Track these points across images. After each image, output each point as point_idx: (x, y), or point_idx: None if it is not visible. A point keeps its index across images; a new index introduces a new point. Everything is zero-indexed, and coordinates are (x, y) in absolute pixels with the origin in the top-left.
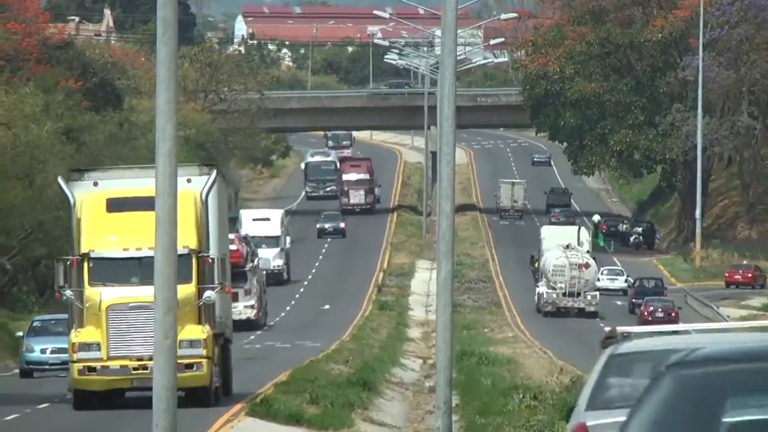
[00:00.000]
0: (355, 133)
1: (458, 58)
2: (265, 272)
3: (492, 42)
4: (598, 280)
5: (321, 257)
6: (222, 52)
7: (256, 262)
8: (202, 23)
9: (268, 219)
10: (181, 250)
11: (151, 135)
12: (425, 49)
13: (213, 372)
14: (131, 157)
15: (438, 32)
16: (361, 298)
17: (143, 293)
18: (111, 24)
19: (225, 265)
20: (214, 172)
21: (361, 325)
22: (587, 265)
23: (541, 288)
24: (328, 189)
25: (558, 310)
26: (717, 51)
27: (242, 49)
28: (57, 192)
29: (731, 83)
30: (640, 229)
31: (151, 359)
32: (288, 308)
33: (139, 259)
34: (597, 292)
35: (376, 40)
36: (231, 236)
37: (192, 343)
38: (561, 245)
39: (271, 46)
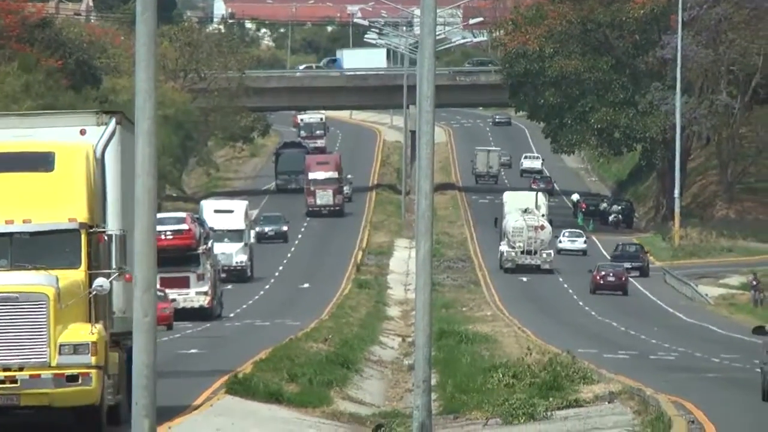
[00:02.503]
0: (333, 113)
1: (437, 37)
2: (223, 265)
3: (471, 21)
4: (560, 241)
5: (297, 242)
6: (202, 31)
7: (210, 245)
8: (181, 2)
9: (231, 211)
10: (64, 224)
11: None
12: (404, 28)
13: (107, 385)
14: None
15: (417, 12)
16: (340, 276)
17: (12, 281)
18: (90, 3)
19: (125, 245)
20: (113, 122)
21: (340, 303)
22: (543, 227)
23: (503, 247)
24: (300, 180)
25: (517, 267)
26: (696, 30)
27: (222, 28)
28: None
29: (710, 62)
30: (619, 208)
31: (21, 369)
32: (267, 286)
33: (9, 235)
34: (551, 251)
35: (356, 20)
36: (183, 215)
37: (77, 348)
38: (520, 209)
39: (250, 26)
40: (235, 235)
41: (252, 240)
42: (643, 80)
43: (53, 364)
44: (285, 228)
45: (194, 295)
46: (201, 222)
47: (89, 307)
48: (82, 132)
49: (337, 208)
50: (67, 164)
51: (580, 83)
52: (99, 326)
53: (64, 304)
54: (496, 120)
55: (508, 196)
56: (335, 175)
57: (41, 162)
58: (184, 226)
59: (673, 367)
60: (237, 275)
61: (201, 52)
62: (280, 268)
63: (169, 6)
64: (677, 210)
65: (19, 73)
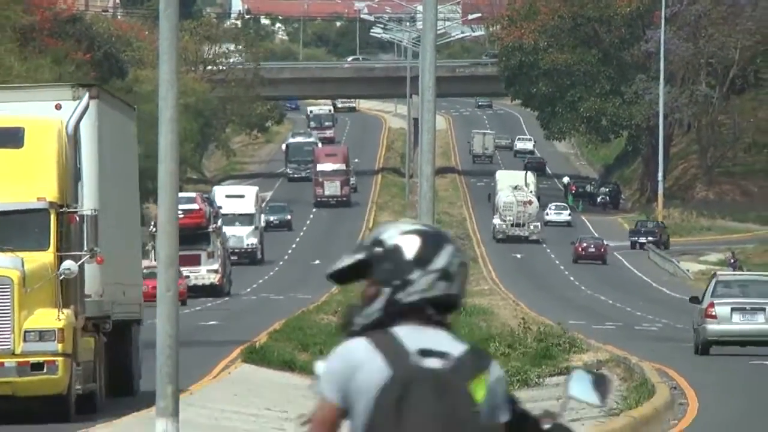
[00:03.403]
0: (341, 103)
1: (438, 32)
2: (234, 247)
3: (470, 17)
4: (547, 214)
5: (306, 228)
6: (220, 26)
7: (219, 223)
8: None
9: (242, 196)
10: (33, 203)
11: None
12: (407, 23)
13: (76, 373)
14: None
15: (419, 8)
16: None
17: None
18: (117, 0)
19: (98, 225)
20: (86, 96)
21: None
22: (530, 202)
23: (495, 220)
24: (309, 170)
25: (507, 237)
26: (678, 25)
27: (239, 23)
28: None
29: (690, 55)
30: (606, 190)
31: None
32: (281, 263)
33: None
34: (539, 223)
35: (362, 15)
36: (193, 195)
37: (42, 335)
38: (511, 186)
39: (265, 21)
40: (246, 218)
41: (262, 224)
42: (628, 72)
43: (17, 351)
44: (289, 217)
45: (205, 273)
46: (211, 202)
47: (57, 291)
48: (57, 107)
49: (344, 198)
50: (37, 140)
51: (571, 74)
52: (68, 311)
53: (29, 288)
54: (479, 103)
55: (500, 175)
56: (343, 166)
57: (10, 138)
58: (195, 206)
59: (657, 337)
60: (248, 257)
61: (220, 46)
62: (291, 249)
63: (189, 2)
64: (660, 192)
65: (51, 65)
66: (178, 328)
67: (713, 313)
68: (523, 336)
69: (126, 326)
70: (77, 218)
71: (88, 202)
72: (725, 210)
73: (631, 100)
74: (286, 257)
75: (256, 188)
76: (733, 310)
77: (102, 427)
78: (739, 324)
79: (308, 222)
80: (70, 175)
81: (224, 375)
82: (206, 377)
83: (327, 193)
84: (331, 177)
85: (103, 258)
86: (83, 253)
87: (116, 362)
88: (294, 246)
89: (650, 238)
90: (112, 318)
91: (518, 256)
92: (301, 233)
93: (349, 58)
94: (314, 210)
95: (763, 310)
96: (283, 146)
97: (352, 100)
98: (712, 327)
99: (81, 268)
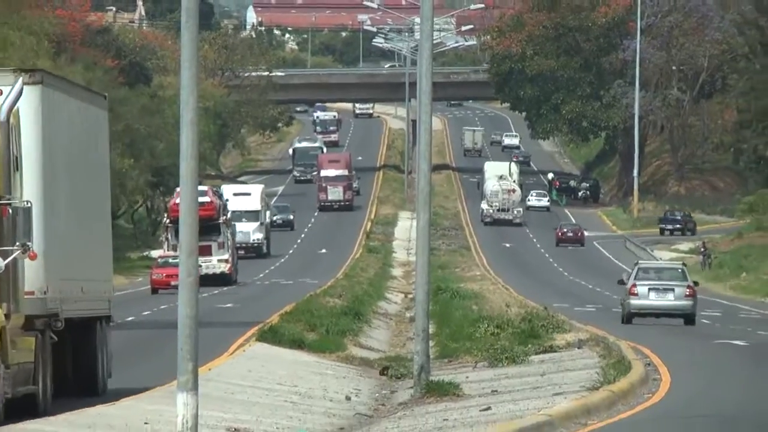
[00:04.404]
0: (343, 106)
1: (434, 41)
2: (241, 242)
3: (463, 28)
4: (529, 200)
5: (311, 225)
6: (236, 37)
7: (228, 215)
8: (219, 13)
9: (248, 194)
10: None
11: (176, 106)
12: (407, 34)
13: (5, 376)
14: (160, 125)
15: (417, 20)
16: (352, 243)
17: None
18: (143, 13)
19: (31, 218)
20: (20, 81)
21: (353, 265)
22: (514, 191)
23: (483, 205)
24: (314, 173)
25: (494, 221)
26: (652, 35)
27: (253, 34)
28: None
29: (663, 62)
30: (587, 185)
31: None
32: (291, 251)
33: None
34: (521, 209)
35: (365, 27)
36: (204, 188)
37: None
38: (497, 175)
39: (277, 32)
40: (252, 215)
41: (267, 220)
42: (607, 78)
43: None
44: (291, 217)
45: (216, 262)
46: (220, 195)
47: None
48: None
49: (347, 203)
50: None
51: (555, 80)
52: None
53: None
54: (450, 103)
55: (488, 166)
56: (345, 172)
57: None
58: (206, 199)
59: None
60: (254, 251)
61: (235, 54)
62: (295, 245)
63: (208, 15)
64: (636, 187)
65: (82, 71)
66: (197, 310)
67: (635, 292)
68: (511, 317)
69: (89, 324)
70: (9, 211)
71: (29, 194)
72: (695, 203)
73: (609, 103)
74: (291, 251)
75: (261, 186)
76: (650, 289)
77: (127, 400)
78: (654, 300)
79: (311, 223)
80: (2, 165)
81: (239, 353)
82: (223, 355)
83: (330, 198)
84: (334, 182)
85: (36, 254)
86: (13, 248)
87: (79, 361)
88: (299, 241)
89: (677, 226)
90: (65, 316)
91: (507, 245)
92: (303, 233)
93: (387, 65)
94: (317, 213)
95: (673, 290)
96: (290, 150)
97: (369, 107)
98: (634, 302)
99: (16, 264)
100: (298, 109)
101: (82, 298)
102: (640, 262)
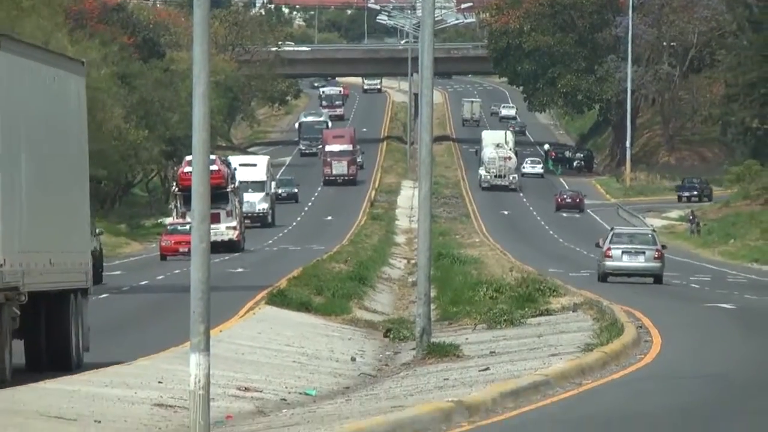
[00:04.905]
0: (348, 81)
1: (435, 18)
2: (247, 212)
3: (463, 6)
4: (523, 167)
5: (315, 197)
6: (246, 14)
7: (236, 184)
8: None
9: (254, 165)
10: None
11: (189, 80)
12: (409, 11)
13: None
14: (173, 98)
15: None
16: (357, 211)
17: None
18: None
19: None
20: None
21: (358, 232)
22: (510, 158)
23: (481, 171)
24: (320, 147)
25: (491, 186)
26: (643, 13)
27: (262, 11)
28: (115, 124)
29: (654, 39)
30: (581, 156)
31: None
32: (298, 218)
33: None
34: (516, 175)
35: (370, 5)
36: (213, 157)
37: None
38: (494, 143)
39: (285, 9)
40: (258, 185)
41: (273, 191)
42: (600, 53)
43: None
44: (296, 190)
45: (224, 230)
46: (228, 164)
47: None
48: None
49: (351, 177)
50: None
51: (551, 55)
52: None
53: None
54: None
55: (486, 134)
56: (350, 147)
57: None
58: (215, 167)
59: (626, 283)
60: (260, 221)
61: (246, 31)
62: (300, 216)
63: None
64: (628, 157)
65: (99, 46)
66: (209, 274)
67: (610, 254)
68: (509, 282)
69: (63, 297)
70: None
71: None
72: (685, 173)
73: (603, 77)
74: (295, 222)
75: (267, 157)
76: (623, 252)
77: (143, 360)
78: (626, 262)
79: (315, 196)
80: None
81: (249, 315)
82: (234, 317)
83: (335, 172)
84: (339, 157)
85: None
86: None
87: (52, 335)
88: (303, 213)
89: (695, 192)
90: (30, 289)
91: (505, 212)
92: (307, 207)
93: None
94: (322, 187)
95: (643, 252)
96: (296, 124)
97: (377, 83)
98: (609, 263)
99: None
100: (316, 84)
101: (50, 270)
102: (615, 227)
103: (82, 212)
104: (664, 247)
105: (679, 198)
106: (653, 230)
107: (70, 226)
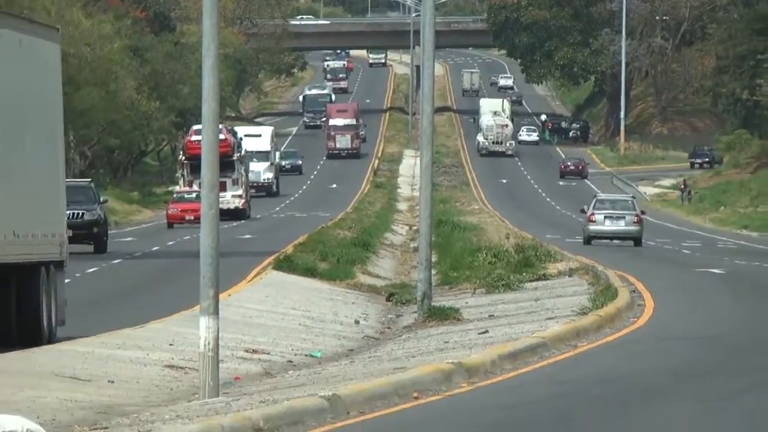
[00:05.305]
0: (352, 53)
1: None
2: (252, 181)
3: None
4: (519, 135)
5: (320, 167)
6: None
7: (243, 152)
8: None
9: (259, 135)
10: None
11: (199, 53)
12: None
13: None
14: (184, 71)
15: None
16: (360, 179)
17: None
18: None
19: None
20: None
21: (361, 200)
22: (507, 125)
23: (479, 138)
24: (323, 120)
25: (489, 153)
26: None
27: None
28: (128, 95)
29: (648, 13)
30: (577, 126)
31: None
32: (303, 187)
33: None
34: (513, 142)
35: None
36: (219, 126)
37: None
38: (492, 111)
39: None
40: (263, 155)
41: (277, 161)
42: (596, 26)
43: None
44: (300, 162)
45: (230, 198)
46: (234, 133)
47: None
48: None
49: (355, 151)
50: None
51: (548, 28)
52: None
53: None
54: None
55: (483, 102)
56: (353, 121)
57: None
58: (221, 136)
59: (620, 247)
60: (265, 190)
61: (253, 4)
62: (305, 186)
63: None
64: (622, 128)
65: (112, 20)
66: (218, 240)
67: (593, 219)
68: (507, 248)
69: (33, 270)
70: None
71: None
72: (677, 143)
73: (598, 50)
74: (301, 191)
75: (272, 128)
76: (605, 217)
77: (154, 323)
78: (609, 226)
79: (319, 167)
80: None
81: (257, 280)
82: (242, 282)
83: (338, 146)
84: (342, 131)
85: None
86: None
87: (22, 309)
88: (308, 182)
89: (706, 159)
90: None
91: (503, 181)
92: (312, 176)
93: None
94: (325, 160)
95: (624, 217)
96: (300, 97)
97: (382, 57)
98: (592, 227)
99: None
100: (327, 58)
101: (15, 242)
102: (598, 194)
103: (54, 181)
104: (643, 212)
105: (692, 165)
106: (632, 197)
107: (38, 196)
